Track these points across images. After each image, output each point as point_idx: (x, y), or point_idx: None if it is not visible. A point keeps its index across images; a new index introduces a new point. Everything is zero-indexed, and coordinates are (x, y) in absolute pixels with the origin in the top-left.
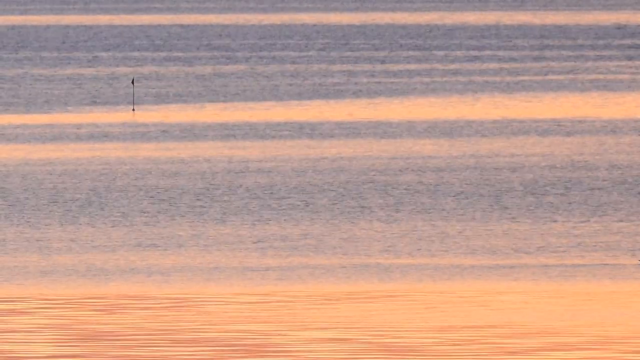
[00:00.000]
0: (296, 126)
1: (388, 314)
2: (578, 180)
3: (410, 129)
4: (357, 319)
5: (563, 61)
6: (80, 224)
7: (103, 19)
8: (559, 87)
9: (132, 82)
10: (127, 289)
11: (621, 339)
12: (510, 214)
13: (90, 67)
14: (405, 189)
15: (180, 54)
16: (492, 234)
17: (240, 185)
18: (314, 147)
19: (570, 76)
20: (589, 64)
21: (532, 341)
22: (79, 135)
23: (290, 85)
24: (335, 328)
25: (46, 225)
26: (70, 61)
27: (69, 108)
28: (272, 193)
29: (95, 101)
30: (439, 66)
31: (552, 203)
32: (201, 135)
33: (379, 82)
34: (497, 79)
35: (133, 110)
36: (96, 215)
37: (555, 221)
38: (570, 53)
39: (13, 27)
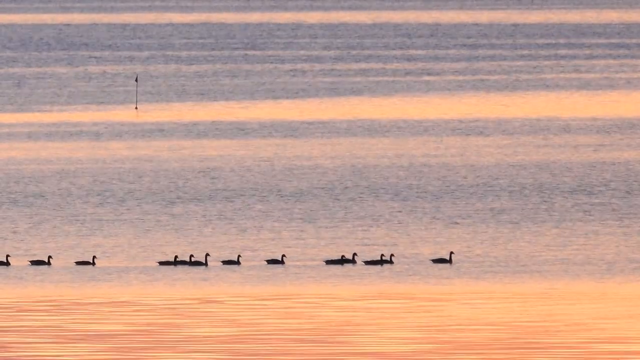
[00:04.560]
0: (305, 124)
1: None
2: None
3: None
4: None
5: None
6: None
7: (106, 18)
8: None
9: (136, 80)
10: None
11: None
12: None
13: (93, 65)
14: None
15: (183, 53)
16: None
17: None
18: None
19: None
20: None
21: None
22: (81, 132)
23: (297, 83)
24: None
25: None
26: (73, 59)
27: (72, 107)
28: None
29: (98, 99)
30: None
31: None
32: (205, 133)
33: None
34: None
35: (136, 108)
36: (105, 212)
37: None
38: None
39: (16, 26)
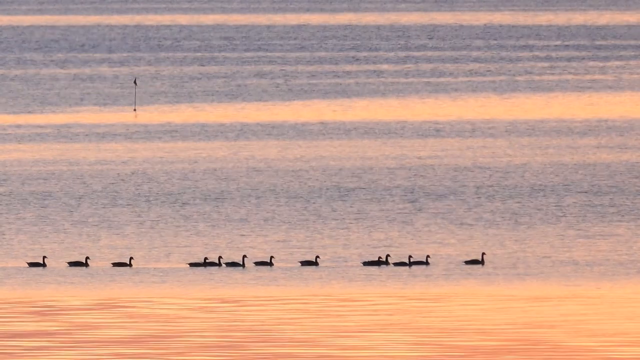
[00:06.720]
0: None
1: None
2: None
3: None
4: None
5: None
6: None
7: (105, 20)
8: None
9: (135, 82)
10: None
11: None
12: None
13: (91, 67)
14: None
15: (181, 54)
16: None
17: (259, 187)
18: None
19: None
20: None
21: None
22: (81, 134)
23: (293, 85)
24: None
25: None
26: (71, 61)
27: (70, 108)
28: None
29: (97, 101)
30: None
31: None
32: (205, 134)
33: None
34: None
35: (134, 110)
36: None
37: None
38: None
39: (15, 28)
